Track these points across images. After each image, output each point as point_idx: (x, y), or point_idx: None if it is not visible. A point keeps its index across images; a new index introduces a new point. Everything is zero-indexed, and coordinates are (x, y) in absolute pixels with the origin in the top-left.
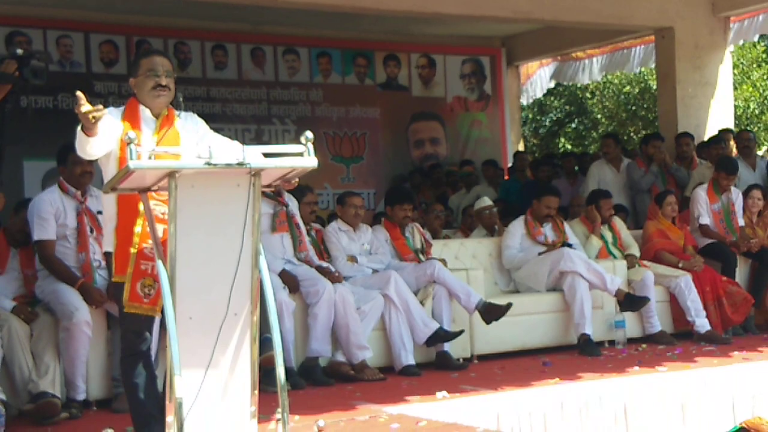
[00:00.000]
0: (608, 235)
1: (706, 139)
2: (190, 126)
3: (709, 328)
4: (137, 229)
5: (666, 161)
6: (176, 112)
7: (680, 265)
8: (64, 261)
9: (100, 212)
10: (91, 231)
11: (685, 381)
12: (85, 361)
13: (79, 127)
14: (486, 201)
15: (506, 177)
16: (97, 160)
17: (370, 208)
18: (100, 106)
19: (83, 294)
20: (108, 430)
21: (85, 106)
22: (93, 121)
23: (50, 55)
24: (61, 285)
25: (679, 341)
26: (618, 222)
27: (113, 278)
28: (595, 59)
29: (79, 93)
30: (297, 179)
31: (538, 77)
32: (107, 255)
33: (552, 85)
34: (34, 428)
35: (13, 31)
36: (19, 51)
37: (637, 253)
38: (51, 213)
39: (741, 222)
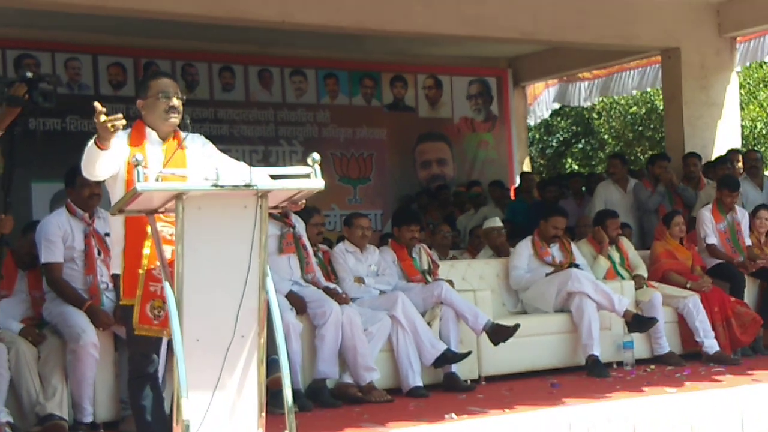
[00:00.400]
0: (616, 256)
1: (713, 159)
2: (197, 147)
3: (717, 348)
4: (145, 251)
5: (672, 181)
6: (183, 134)
7: (688, 285)
8: (71, 283)
9: (107, 234)
10: (99, 253)
11: (695, 402)
12: (92, 383)
13: (91, 142)
14: (496, 221)
15: (512, 197)
16: (104, 182)
17: (377, 229)
18: (119, 115)
19: (90, 316)
20: None
21: (104, 116)
22: (111, 130)
23: (60, 78)
24: (68, 307)
25: (687, 362)
26: (625, 242)
27: (121, 301)
28: (600, 80)
29: (97, 103)
30: (304, 201)
31: (544, 98)
32: (115, 277)
33: (557, 105)
34: None
35: (22, 54)
36: (29, 74)
37: (645, 274)
38: (59, 235)
39: (748, 241)
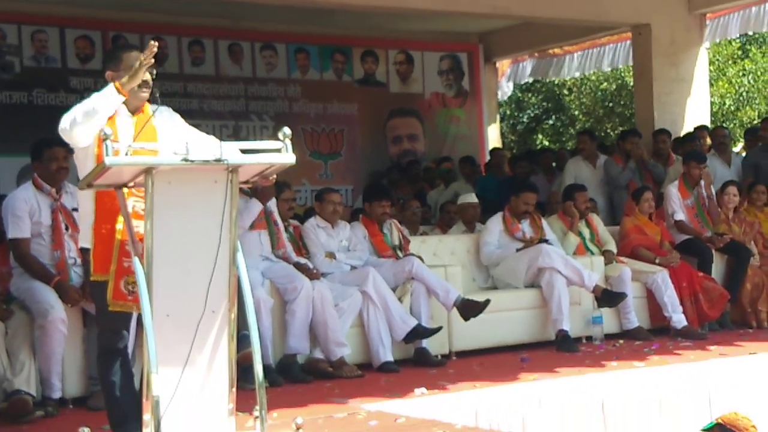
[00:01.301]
0: (585, 232)
1: (681, 135)
2: (166, 121)
3: (685, 323)
4: (118, 226)
5: (643, 157)
6: (152, 107)
7: (657, 261)
8: (39, 258)
9: (75, 209)
10: (66, 228)
11: (662, 376)
12: (61, 359)
13: (109, 90)
14: (472, 197)
15: (483, 173)
16: (73, 156)
17: (348, 204)
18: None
19: (59, 292)
20: (84, 428)
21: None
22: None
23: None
24: (35, 283)
25: (656, 337)
26: (595, 218)
27: (92, 276)
28: (571, 56)
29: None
30: (275, 176)
31: (510, 73)
32: (83, 251)
33: (523, 81)
34: (9, 427)
35: None
36: None
37: (614, 249)
38: (25, 210)
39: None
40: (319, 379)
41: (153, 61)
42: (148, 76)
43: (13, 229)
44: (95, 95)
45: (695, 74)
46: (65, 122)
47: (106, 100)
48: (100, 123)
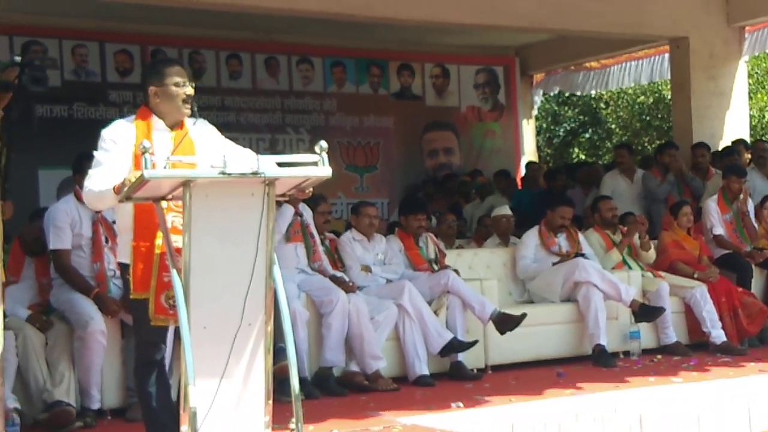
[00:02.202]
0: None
1: (720, 149)
2: (203, 134)
3: (724, 339)
4: (158, 241)
5: (682, 170)
6: (190, 121)
7: (695, 275)
8: (79, 270)
9: (114, 222)
10: (107, 241)
11: (701, 392)
12: (100, 370)
13: (110, 186)
14: (506, 209)
15: (519, 187)
16: None
17: (384, 217)
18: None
19: (98, 304)
20: None
21: None
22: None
23: (55, 62)
24: (76, 294)
25: (694, 352)
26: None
27: (132, 294)
28: (609, 69)
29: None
30: (311, 189)
31: (542, 86)
32: (122, 266)
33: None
34: None
35: (30, 41)
36: (17, 58)
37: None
38: (67, 222)
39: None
40: (355, 392)
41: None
42: (190, 90)
43: (54, 240)
44: (107, 142)
45: (734, 87)
46: (86, 188)
47: (100, 196)
48: (106, 207)
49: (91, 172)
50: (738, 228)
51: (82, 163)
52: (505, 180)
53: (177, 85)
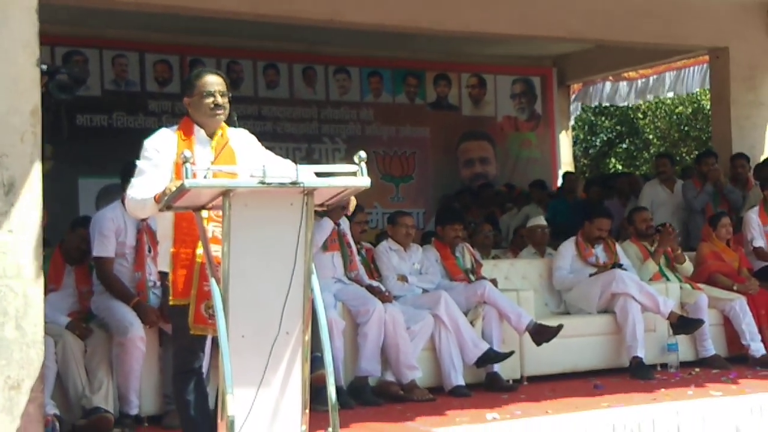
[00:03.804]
0: (661, 258)
1: (761, 160)
2: (244, 144)
3: (764, 352)
4: (199, 251)
5: (720, 180)
6: (230, 131)
7: (735, 287)
8: (120, 279)
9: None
10: (149, 250)
11: (740, 406)
12: (139, 376)
13: (151, 195)
14: (541, 219)
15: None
16: None
17: (419, 227)
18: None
19: (138, 312)
20: None
21: None
22: None
23: (86, 70)
24: (116, 301)
25: (733, 365)
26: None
27: (171, 300)
28: (646, 79)
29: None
30: (355, 201)
31: (578, 96)
32: (162, 275)
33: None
34: None
35: (71, 51)
36: (44, 66)
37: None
38: (112, 230)
39: None
40: (391, 402)
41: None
42: (220, 100)
43: (98, 247)
44: (149, 150)
45: None
46: (128, 197)
47: (141, 205)
48: (147, 215)
49: (133, 180)
50: None
51: (129, 170)
52: (539, 190)
53: (205, 95)
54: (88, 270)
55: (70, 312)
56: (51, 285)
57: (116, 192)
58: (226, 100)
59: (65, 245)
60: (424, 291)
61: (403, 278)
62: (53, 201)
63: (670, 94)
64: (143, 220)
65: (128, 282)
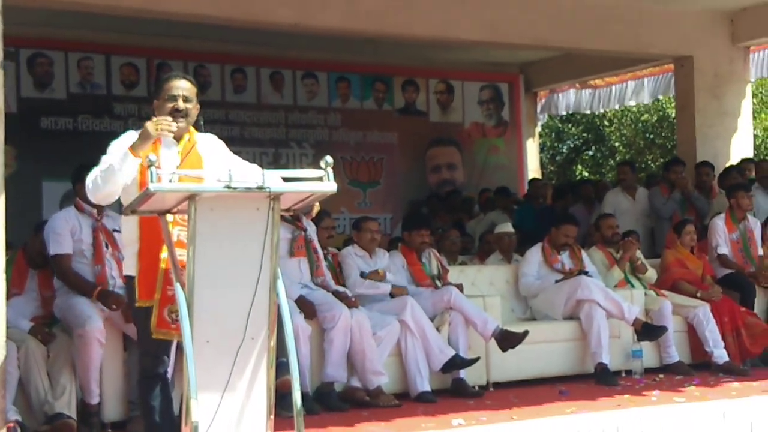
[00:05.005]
0: (626, 265)
1: (725, 167)
2: (211, 148)
3: (727, 359)
4: (163, 254)
5: (688, 188)
6: (198, 135)
7: (698, 295)
8: (80, 274)
9: (115, 230)
10: (107, 246)
11: (703, 412)
12: (98, 366)
13: (122, 153)
14: (508, 227)
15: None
16: None
17: (387, 233)
18: (170, 118)
19: (102, 300)
20: None
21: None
22: (157, 131)
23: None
24: (75, 298)
25: (696, 372)
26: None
27: (136, 302)
28: (612, 87)
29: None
30: (319, 207)
31: (545, 103)
32: (128, 279)
33: (563, 112)
34: None
35: (36, 53)
36: None
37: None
38: (66, 229)
39: (760, 251)
40: (356, 407)
41: (171, 131)
42: (182, 104)
43: (54, 245)
44: (114, 150)
45: (738, 107)
46: (88, 182)
47: (124, 165)
48: (120, 182)
49: (93, 169)
50: (744, 248)
51: (81, 173)
52: (504, 198)
53: (168, 99)
54: (51, 274)
55: (33, 317)
56: (14, 289)
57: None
58: (190, 105)
59: (28, 249)
60: (392, 295)
61: (382, 273)
62: (17, 204)
63: (633, 102)
64: (98, 219)
65: (89, 277)
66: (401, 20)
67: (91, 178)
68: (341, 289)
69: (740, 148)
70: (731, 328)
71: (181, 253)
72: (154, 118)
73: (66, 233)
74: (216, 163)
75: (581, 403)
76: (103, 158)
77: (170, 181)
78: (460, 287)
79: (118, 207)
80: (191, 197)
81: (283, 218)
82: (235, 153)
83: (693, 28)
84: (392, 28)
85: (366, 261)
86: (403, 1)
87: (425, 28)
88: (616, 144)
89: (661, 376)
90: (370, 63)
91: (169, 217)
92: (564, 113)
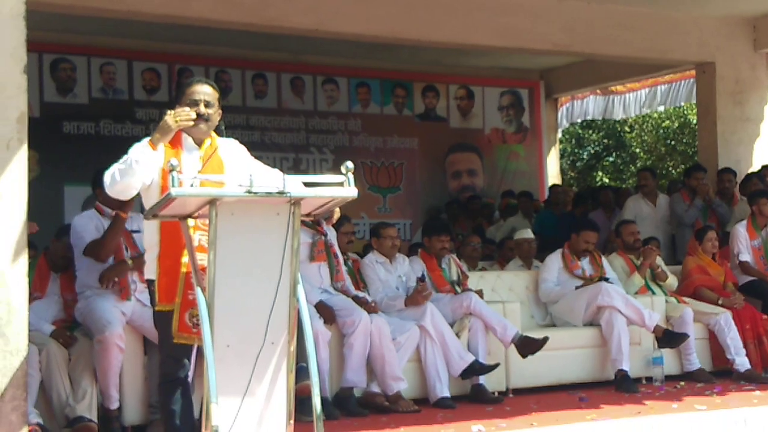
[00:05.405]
0: (647, 271)
1: (746, 174)
2: (233, 153)
3: (748, 366)
4: (184, 259)
5: (709, 194)
6: (221, 140)
7: (720, 302)
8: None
9: (134, 231)
10: (127, 250)
11: (725, 420)
12: (118, 372)
13: (141, 145)
14: (528, 233)
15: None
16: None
17: (407, 238)
18: (187, 109)
19: (136, 267)
20: None
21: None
22: (176, 123)
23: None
24: (96, 302)
25: (718, 379)
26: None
27: (157, 306)
28: (634, 93)
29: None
30: (339, 212)
31: (565, 110)
32: (149, 282)
33: (580, 120)
34: None
35: (59, 58)
36: None
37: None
38: (92, 225)
39: None
40: (376, 413)
41: (191, 122)
42: (203, 109)
43: (80, 243)
44: (134, 148)
45: (761, 113)
46: (106, 179)
47: (142, 156)
48: (139, 177)
49: (113, 166)
50: (766, 255)
51: (101, 178)
52: (527, 201)
53: (189, 103)
54: (73, 278)
55: (54, 320)
56: (36, 293)
57: None
58: (212, 110)
59: (50, 253)
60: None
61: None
62: (39, 208)
63: (660, 108)
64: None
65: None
66: (418, 26)
67: (110, 172)
68: (361, 294)
69: (762, 154)
70: (753, 335)
71: (201, 258)
72: (173, 111)
73: (92, 228)
74: (237, 168)
75: (601, 410)
76: (118, 162)
77: (192, 185)
78: (480, 293)
79: (139, 206)
80: (212, 202)
81: (303, 223)
82: (256, 158)
83: (715, 34)
84: (408, 34)
85: (387, 267)
86: (422, 7)
87: (444, 33)
88: (637, 150)
89: (682, 383)
90: (390, 69)
91: (191, 222)
92: (585, 119)
